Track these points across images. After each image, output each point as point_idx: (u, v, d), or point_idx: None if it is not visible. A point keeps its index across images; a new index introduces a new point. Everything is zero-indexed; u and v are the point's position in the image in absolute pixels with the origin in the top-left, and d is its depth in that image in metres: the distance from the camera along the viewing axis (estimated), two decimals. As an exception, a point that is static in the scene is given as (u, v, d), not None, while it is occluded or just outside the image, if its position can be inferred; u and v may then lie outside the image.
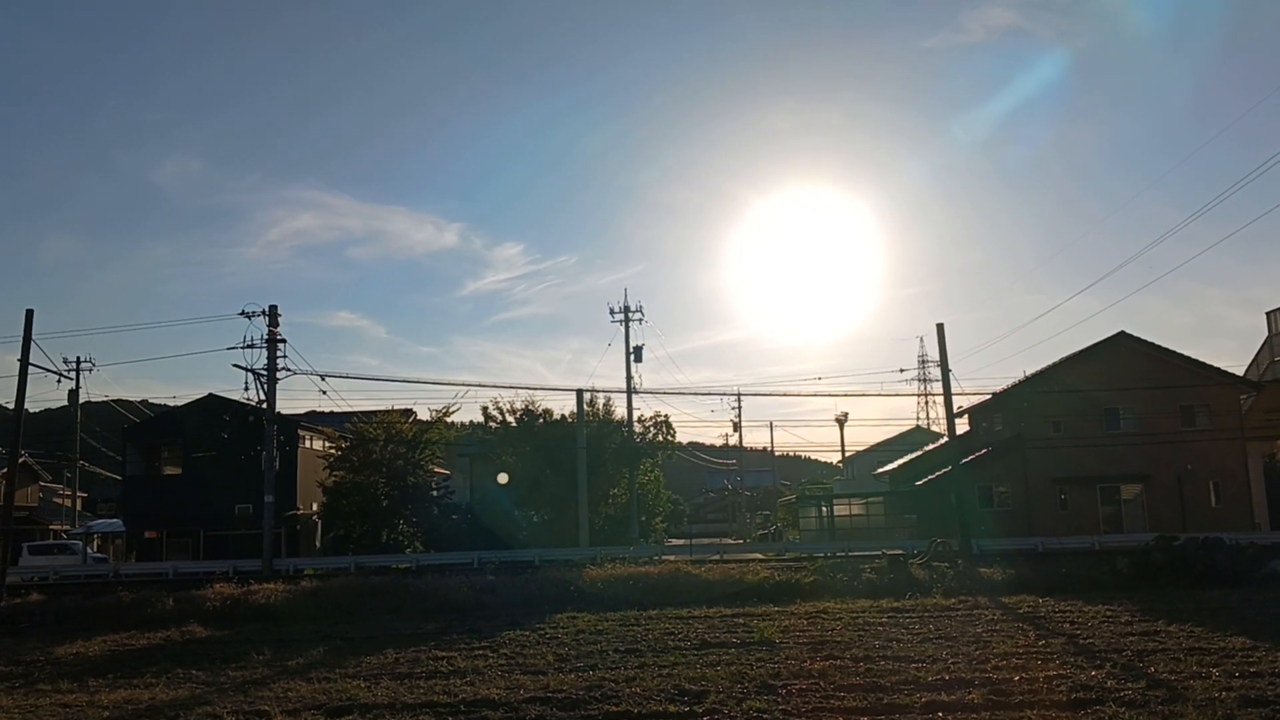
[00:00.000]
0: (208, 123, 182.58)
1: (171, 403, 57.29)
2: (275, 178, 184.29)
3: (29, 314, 30.37)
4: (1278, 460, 44.52)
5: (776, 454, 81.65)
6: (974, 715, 10.10)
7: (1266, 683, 11.34)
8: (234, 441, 38.50)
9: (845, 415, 68.27)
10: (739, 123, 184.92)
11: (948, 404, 34.95)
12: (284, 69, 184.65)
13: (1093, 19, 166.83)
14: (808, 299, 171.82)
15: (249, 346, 33.75)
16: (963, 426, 45.23)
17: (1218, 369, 41.46)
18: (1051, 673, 12.25)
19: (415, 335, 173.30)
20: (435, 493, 42.70)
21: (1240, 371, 44.99)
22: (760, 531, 60.07)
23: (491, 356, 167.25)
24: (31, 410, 47.67)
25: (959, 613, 19.31)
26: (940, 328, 34.48)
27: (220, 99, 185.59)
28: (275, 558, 33.97)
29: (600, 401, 44.30)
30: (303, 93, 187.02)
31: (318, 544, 44.95)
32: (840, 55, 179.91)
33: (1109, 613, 18.50)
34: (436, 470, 44.35)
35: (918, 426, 75.89)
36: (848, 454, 73.13)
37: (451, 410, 43.33)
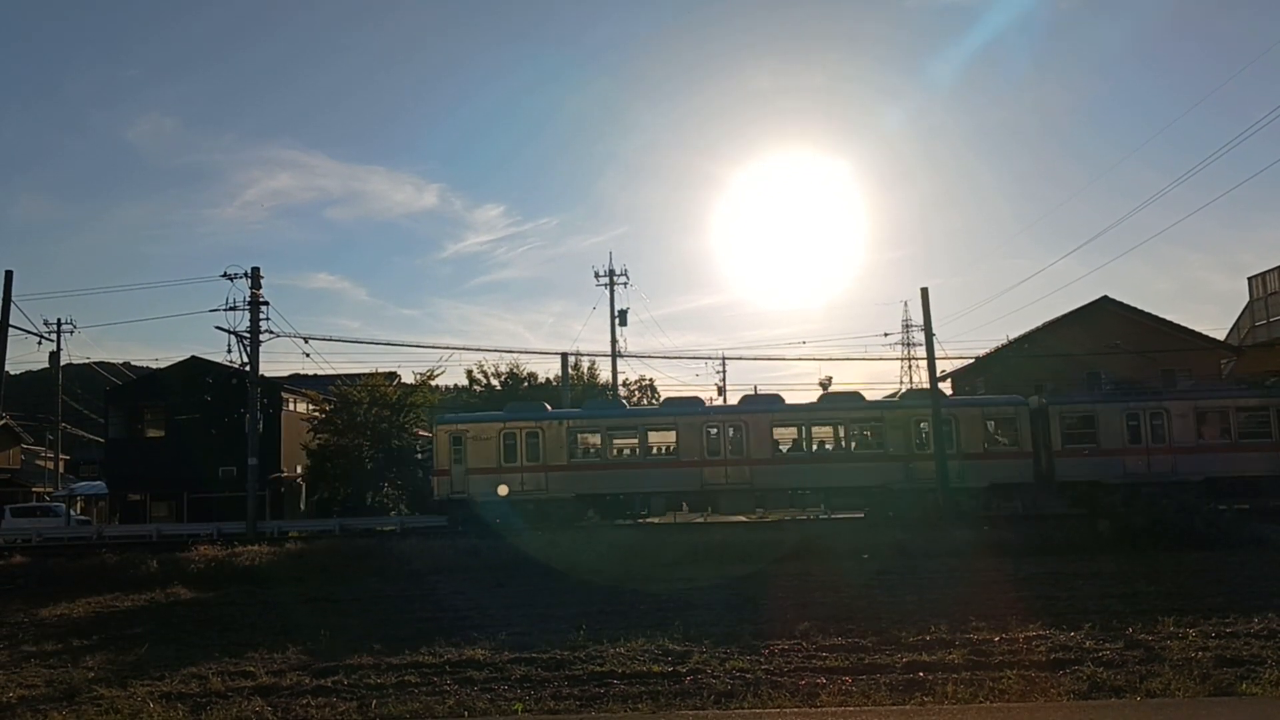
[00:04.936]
0: (182, 80, 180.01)
1: (153, 365, 57.05)
2: (252, 137, 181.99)
3: (8, 275, 30.11)
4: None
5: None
6: (954, 675, 10.21)
7: (1242, 643, 11.50)
8: (217, 404, 38.41)
9: (829, 379, 68.20)
10: (722, 85, 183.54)
11: (931, 368, 34.98)
12: (259, 26, 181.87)
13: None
14: (792, 263, 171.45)
15: (231, 309, 33.67)
16: (946, 390, 45.48)
17: (1199, 333, 41.76)
18: (1031, 634, 12.38)
19: (396, 298, 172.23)
20: (420, 455, 42.72)
21: (1221, 336, 45.33)
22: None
23: (474, 319, 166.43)
24: (12, 372, 47.35)
25: (940, 574, 19.49)
26: (924, 291, 34.40)
27: (195, 56, 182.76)
28: (260, 520, 33.96)
29: (585, 365, 44.47)
30: (278, 51, 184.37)
31: (302, 507, 45.00)
32: (823, 16, 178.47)
33: (1089, 574, 18.70)
34: (421, 433, 44.36)
35: (901, 390, 76.30)
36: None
37: (436, 373, 43.38)
